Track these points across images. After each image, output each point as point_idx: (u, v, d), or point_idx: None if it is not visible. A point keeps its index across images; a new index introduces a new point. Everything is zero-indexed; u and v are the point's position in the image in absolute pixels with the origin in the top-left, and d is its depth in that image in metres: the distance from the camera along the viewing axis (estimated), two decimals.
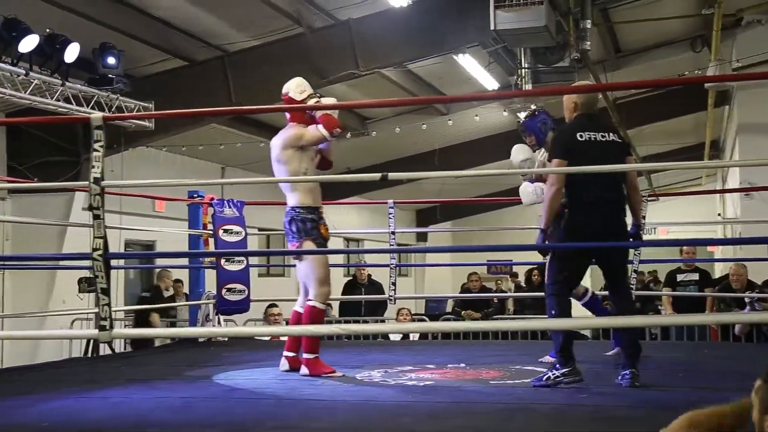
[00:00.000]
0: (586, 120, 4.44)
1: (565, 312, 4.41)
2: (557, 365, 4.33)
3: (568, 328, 4.50)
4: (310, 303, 4.90)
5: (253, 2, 9.66)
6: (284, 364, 5.05)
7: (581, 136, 4.33)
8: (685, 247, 8.58)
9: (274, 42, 10.58)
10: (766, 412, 1.86)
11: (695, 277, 8.33)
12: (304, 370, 4.86)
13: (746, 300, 7.13)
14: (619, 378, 4.34)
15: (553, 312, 4.39)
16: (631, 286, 6.40)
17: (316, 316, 4.87)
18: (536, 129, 5.37)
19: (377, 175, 4.36)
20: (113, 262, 4.13)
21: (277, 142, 5.02)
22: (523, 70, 11.00)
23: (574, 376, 4.29)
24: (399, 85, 12.80)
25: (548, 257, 4.66)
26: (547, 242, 4.45)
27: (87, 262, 3.81)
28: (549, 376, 4.32)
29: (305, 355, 4.87)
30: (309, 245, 4.83)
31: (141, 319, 8.51)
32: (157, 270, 10.27)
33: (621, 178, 4.44)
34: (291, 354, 5.04)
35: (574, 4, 9.67)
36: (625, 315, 4.51)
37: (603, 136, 4.37)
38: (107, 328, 3.59)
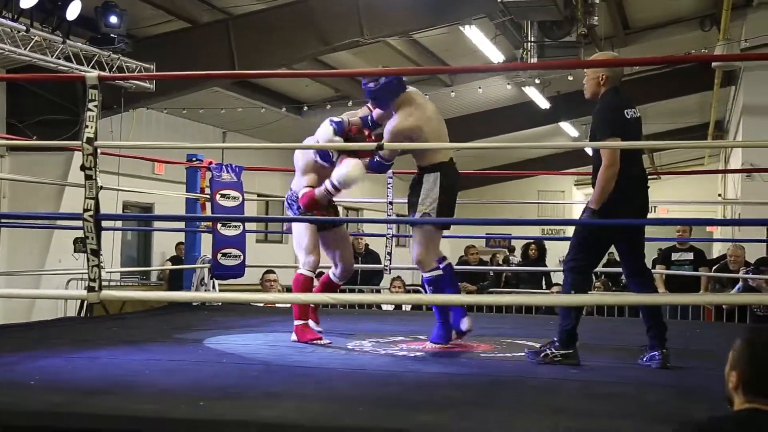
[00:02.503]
0: (621, 95, 4.22)
1: (583, 292, 4.22)
2: (557, 343, 4.15)
3: (550, 305, 4.41)
4: (299, 271, 4.96)
5: None
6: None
7: (627, 114, 4.14)
8: (678, 226, 8.56)
9: (279, 6, 10.50)
10: (733, 368, 2.03)
11: (690, 256, 8.32)
12: (293, 336, 4.93)
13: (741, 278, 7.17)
14: (646, 359, 4.13)
15: (572, 291, 4.17)
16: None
17: (303, 283, 4.93)
18: (371, 95, 4.81)
19: (372, 145, 4.33)
20: (106, 224, 4.12)
21: None
22: (529, 44, 10.92)
23: (572, 360, 4.12)
24: (404, 55, 12.70)
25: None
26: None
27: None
28: (547, 353, 4.15)
29: (295, 322, 4.94)
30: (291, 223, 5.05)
31: None
32: None
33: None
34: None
35: None
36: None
37: (635, 112, 4.20)
38: (96, 289, 3.58)
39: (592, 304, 7.69)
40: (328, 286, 5.28)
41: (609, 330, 6.14)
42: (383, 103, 4.80)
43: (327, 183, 4.77)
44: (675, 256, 8.33)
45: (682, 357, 4.32)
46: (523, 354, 4.41)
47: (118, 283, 10.79)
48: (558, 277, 6.47)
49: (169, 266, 11.05)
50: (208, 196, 7.15)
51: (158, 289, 10.64)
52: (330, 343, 4.86)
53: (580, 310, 4.35)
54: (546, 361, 4.14)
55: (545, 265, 10.46)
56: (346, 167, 4.67)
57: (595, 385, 3.68)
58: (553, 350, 4.15)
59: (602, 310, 8.06)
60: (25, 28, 8.00)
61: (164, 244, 12.98)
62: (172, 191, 8.89)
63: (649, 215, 4.54)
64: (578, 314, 4.22)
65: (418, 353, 4.59)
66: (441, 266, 4.80)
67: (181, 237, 10.05)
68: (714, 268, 8.44)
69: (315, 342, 4.83)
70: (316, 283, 5.26)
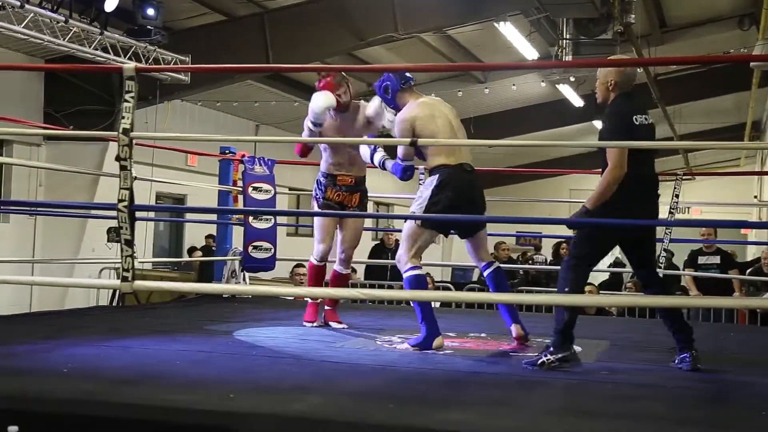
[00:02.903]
0: (632, 101, 4.16)
1: (579, 290, 4.15)
2: (552, 348, 4.02)
3: (591, 305, 4.35)
4: (310, 258, 5.37)
5: None
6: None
7: (636, 120, 4.07)
8: (703, 228, 8.43)
9: (314, 1, 10.53)
10: None
11: (716, 260, 8.20)
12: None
13: None
14: (677, 361, 4.06)
15: (566, 288, 4.05)
16: (660, 265, 6.32)
17: (310, 271, 5.37)
18: (380, 92, 4.88)
19: (407, 140, 4.33)
20: (139, 214, 4.16)
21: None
22: (564, 41, 10.84)
23: (571, 362, 4.01)
24: (437, 51, 12.68)
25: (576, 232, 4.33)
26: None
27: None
28: (543, 361, 3.99)
29: (309, 301, 5.39)
30: (314, 205, 5.31)
31: None
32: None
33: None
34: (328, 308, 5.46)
35: None
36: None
37: (646, 119, 4.13)
38: (129, 279, 3.62)
39: (624, 306, 7.66)
40: (340, 280, 5.41)
41: (640, 331, 6.08)
42: (388, 101, 4.89)
43: (306, 121, 5.09)
44: (701, 260, 8.21)
45: (713, 360, 4.27)
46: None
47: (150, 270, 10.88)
48: (593, 277, 6.41)
49: (199, 257, 11.12)
50: (240, 189, 7.19)
51: (188, 278, 10.72)
52: (312, 325, 5.27)
53: (576, 309, 4.21)
54: (543, 369, 3.99)
55: None
56: (312, 100, 4.97)
57: (624, 387, 3.66)
58: (549, 356, 4.01)
59: (633, 311, 7.99)
60: (64, 18, 8.11)
61: (196, 235, 13.08)
62: (205, 183, 8.95)
63: (682, 216, 4.49)
64: (573, 313, 4.09)
65: (446, 351, 4.59)
66: (484, 272, 4.84)
67: (211, 228, 10.12)
68: (748, 271, 8.33)
69: (309, 324, 5.27)
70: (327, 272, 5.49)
